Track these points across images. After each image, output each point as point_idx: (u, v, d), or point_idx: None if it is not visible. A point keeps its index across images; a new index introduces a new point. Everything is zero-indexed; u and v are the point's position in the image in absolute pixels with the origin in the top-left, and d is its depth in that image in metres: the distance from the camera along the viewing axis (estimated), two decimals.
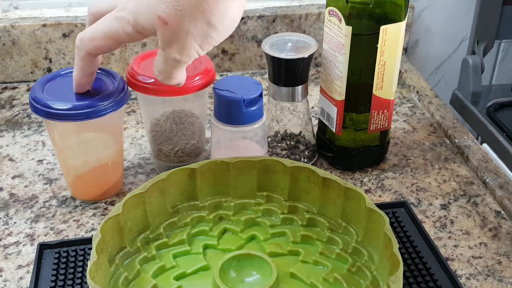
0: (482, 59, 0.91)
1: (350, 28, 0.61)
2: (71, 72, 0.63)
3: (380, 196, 0.67)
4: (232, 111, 0.59)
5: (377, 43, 0.62)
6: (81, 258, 0.55)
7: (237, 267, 0.49)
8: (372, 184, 0.68)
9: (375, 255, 0.51)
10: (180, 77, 0.50)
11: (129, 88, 0.63)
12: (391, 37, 0.62)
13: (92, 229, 0.61)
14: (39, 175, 0.69)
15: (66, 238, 0.60)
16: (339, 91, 0.65)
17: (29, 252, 0.59)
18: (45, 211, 0.64)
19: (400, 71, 0.89)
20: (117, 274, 0.49)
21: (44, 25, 0.85)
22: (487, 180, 0.68)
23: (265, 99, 0.68)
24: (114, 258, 0.50)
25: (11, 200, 0.65)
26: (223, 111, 0.60)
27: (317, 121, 0.73)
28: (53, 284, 0.53)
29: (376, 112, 0.66)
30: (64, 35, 0.85)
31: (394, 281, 0.43)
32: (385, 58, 0.63)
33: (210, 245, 0.53)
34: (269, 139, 0.70)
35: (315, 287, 0.49)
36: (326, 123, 0.70)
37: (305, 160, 0.70)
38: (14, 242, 0.60)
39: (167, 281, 0.49)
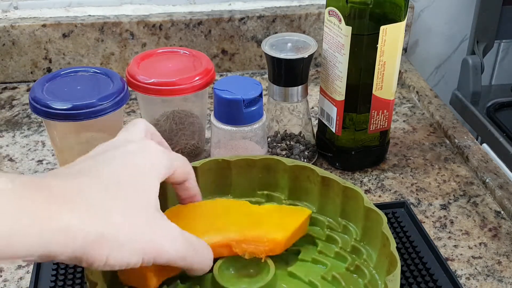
0: (482, 59, 0.91)
1: (350, 28, 0.61)
2: (71, 72, 0.63)
3: (380, 196, 0.67)
4: (232, 111, 0.59)
5: (377, 43, 0.62)
6: None
7: (236, 265, 0.49)
8: (372, 184, 0.68)
9: (373, 254, 0.51)
10: None
11: (129, 88, 0.63)
12: (391, 37, 0.62)
13: None
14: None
15: None
16: (339, 91, 0.65)
17: None
18: None
19: (400, 71, 0.89)
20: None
21: (44, 25, 0.85)
22: (487, 180, 0.68)
23: (265, 99, 0.68)
24: None
25: None
26: (223, 111, 0.60)
27: (317, 121, 0.73)
28: (53, 284, 0.52)
29: (376, 112, 0.66)
30: (64, 35, 0.85)
31: (392, 280, 0.43)
32: (385, 58, 0.63)
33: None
34: (269, 139, 0.70)
35: (314, 286, 0.49)
36: (326, 123, 0.70)
37: (305, 160, 0.70)
38: None
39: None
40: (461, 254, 0.59)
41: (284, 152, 0.69)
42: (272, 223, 0.50)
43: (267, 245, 0.49)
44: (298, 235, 0.51)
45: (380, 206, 0.61)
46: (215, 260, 0.49)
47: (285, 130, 0.70)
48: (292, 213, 0.52)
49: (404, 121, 0.81)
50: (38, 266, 0.54)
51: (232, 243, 0.49)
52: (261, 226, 0.50)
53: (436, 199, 0.66)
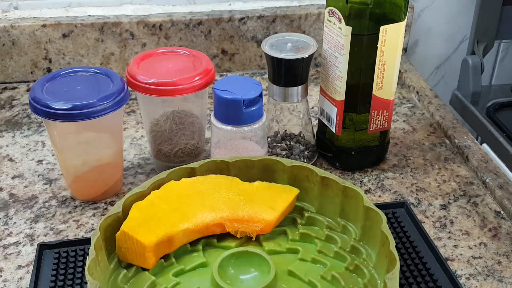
0: (482, 59, 0.91)
1: (350, 28, 0.61)
2: (71, 72, 0.63)
3: (380, 196, 0.67)
4: (232, 111, 0.59)
5: (377, 43, 0.62)
6: (81, 258, 0.55)
7: (235, 264, 0.50)
8: (372, 184, 0.68)
9: (372, 253, 0.51)
10: None
11: (129, 88, 0.63)
12: (391, 37, 0.62)
13: (92, 229, 0.61)
14: (39, 175, 0.69)
15: (66, 238, 0.60)
16: (339, 91, 0.65)
17: (29, 252, 0.59)
18: (45, 211, 0.64)
19: (400, 71, 0.89)
20: (116, 271, 0.49)
21: (44, 25, 0.85)
22: (487, 180, 0.68)
23: (265, 99, 0.68)
24: (114, 256, 0.50)
25: (11, 200, 0.65)
26: (223, 111, 0.60)
27: (316, 121, 0.73)
28: (53, 284, 0.53)
29: (376, 112, 0.66)
30: (64, 35, 0.85)
31: (391, 279, 0.44)
32: (385, 58, 0.63)
33: (209, 242, 0.53)
34: (269, 139, 0.70)
35: (313, 285, 0.49)
36: (326, 123, 0.70)
37: (305, 160, 0.70)
38: (14, 242, 0.60)
39: (166, 277, 0.50)
40: (461, 254, 0.59)
41: (284, 152, 0.69)
42: (263, 202, 0.53)
43: (258, 225, 0.52)
44: (286, 213, 0.54)
45: (380, 206, 0.61)
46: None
47: (285, 130, 0.70)
48: (281, 192, 0.54)
49: (404, 121, 0.81)
50: (38, 266, 0.54)
51: (225, 222, 0.52)
52: (252, 206, 0.53)
53: (436, 199, 0.66)
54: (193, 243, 0.52)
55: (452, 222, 0.63)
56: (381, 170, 0.71)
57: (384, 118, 0.67)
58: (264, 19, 0.89)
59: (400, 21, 0.62)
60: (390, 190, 0.67)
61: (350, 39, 0.62)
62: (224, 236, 0.53)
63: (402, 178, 0.70)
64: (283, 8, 0.91)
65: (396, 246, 0.47)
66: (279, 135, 0.70)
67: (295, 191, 0.55)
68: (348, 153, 0.69)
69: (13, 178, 0.69)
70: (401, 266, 0.54)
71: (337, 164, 0.71)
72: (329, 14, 0.63)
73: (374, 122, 0.67)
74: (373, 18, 0.61)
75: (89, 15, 0.87)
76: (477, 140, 0.78)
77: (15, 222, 0.62)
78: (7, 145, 0.75)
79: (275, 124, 0.70)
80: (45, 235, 0.61)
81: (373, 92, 0.65)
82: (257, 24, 0.89)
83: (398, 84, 0.88)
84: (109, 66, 0.88)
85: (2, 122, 0.80)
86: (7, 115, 0.81)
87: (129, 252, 0.49)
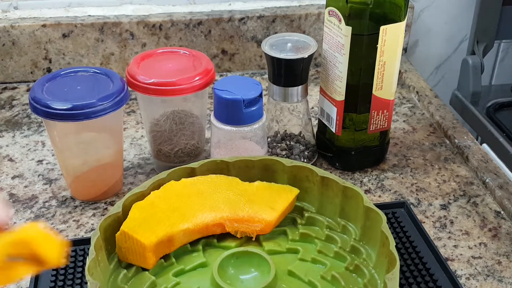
0: (482, 59, 0.91)
1: (350, 28, 0.61)
2: (71, 72, 0.63)
3: (380, 196, 0.67)
4: (232, 111, 0.59)
5: (377, 43, 0.62)
6: (81, 258, 0.55)
7: (235, 264, 0.50)
8: (372, 184, 0.68)
9: (372, 253, 0.51)
10: None
11: (129, 88, 0.63)
12: (391, 37, 0.62)
13: (92, 229, 0.61)
14: (39, 175, 0.69)
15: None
16: (339, 91, 0.65)
17: None
18: (45, 211, 0.64)
19: (400, 71, 0.89)
20: (116, 271, 0.49)
21: (44, 25, 0.85)
22: (487, 180, 0.68)
23: (265, 99, 0.68)
24: (114, 256, 0.50)
25: (11, 200, 0.65)
26: (222, 111, 0.60)
27: (316, 121, 0.73)
28: (53, 284, 0.53)
29: (376, 112, 0.66)
30: (64, 35, 0.85)
31: (391, 279, 0.44)
32: (385, 58, 0.63)
33: (209, 242, 0.53)
34: (268, 139, 0.70)
35: (313, 285, 0.49)
36: (326, 123, 0.70)
37: (305, 160, 0.70)
38: None
39: (166, 277, 0.50)
40: (461, 254, 0.59)
41: (284, 152, 0.69)
42: (263, 202, 0.53)
43: (258, 225, 0.52)
44: (286, 213, 0.54)
45: (380, 206, 0.61)
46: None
47: (285, 130, 0.70)
48: (281, 192, 0.54)
49: (404, 121, 0.81)
50: None
51: (225, 222, 0.52)
52: (252, 206, 0.53)
53: (436, 199, 0.66)
54: (193, 243, 0.52)
55: (452, 222, 0.63)
56: (381, 170, 0.71)
57: (384, 118, 0.67)
58: (264, 19, 0.89)
59: (400, 21, 0.62)
60: (390, 190, 0.67)
61: (350, 39, 0.62)
62: (224, 236, 0.53)
63: (402, 178, 0.70)
64: (283, 8, 0.91)
65: (396, 246, 0.47)
66: (279, 135, 0.70)
67: (295, 191, 0.55)
68: (348, 153, 0.69)
69: (13, 178, 0.69)
70: (401, 266, 0.54)
71: (337, 164, 0.71)
72: (329, 14, 0.63)
73: (374, 122, 0.67)
74: (373, 18, 0.61)
75: (89, 15, 0.87)
76: (477, 140, 0.78)
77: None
78: (7, 145, 0.75)
79: (275, 124, 0.70)
80: None
81: (373, 92, 0.65)
82: (257, 24, 0.89)
83: (398, 84, 0.88)
84: (109, 66, 0.88)
85: (2, 122, 0.80)
86: (7, 115, 0.81)
87: (129, 252, 0.49)
